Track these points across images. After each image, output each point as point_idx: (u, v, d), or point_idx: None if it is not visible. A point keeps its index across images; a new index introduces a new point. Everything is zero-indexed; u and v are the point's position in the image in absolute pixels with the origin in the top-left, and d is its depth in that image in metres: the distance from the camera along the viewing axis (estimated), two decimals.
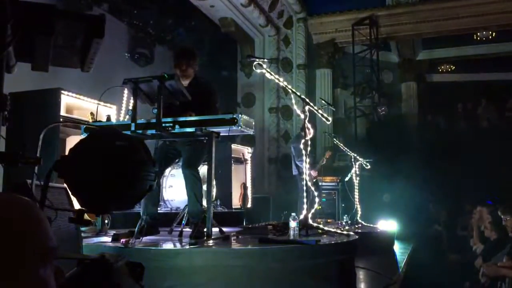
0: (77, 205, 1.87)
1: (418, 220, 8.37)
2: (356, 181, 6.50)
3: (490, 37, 11.03)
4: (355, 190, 6.47)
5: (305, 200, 3.97)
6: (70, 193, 1.53)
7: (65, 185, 1.88)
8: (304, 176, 4.10)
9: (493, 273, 4.42)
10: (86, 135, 3.56)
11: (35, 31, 1.41)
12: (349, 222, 6.11)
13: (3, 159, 1.24)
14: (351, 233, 4.17)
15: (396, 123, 11.40)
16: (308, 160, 4.06)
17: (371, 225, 6.20)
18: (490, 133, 11.85)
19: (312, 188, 4.04)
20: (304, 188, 4.02)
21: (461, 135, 11.99)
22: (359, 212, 6.41)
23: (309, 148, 4.09)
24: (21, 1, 1.35)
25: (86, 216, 3.46)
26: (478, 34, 10.97)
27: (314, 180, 6.99)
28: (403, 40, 11.20)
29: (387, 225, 6.16)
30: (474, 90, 12.92)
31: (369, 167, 6.75)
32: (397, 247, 6.19)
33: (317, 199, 3.98)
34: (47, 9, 1.38)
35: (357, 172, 6.54)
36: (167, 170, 5.16)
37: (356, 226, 5.93)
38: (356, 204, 6.44)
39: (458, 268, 6.61)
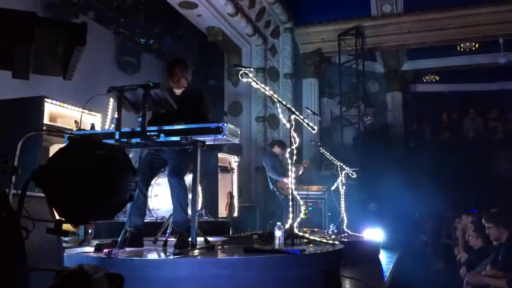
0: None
1: (404, 229, 8.42)
2: (342, 190, 6.51)
3: (473, 48, 11.24)
4: (341, 199, 6.48)
5: (290, 209, 3.96)
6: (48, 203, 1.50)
7: None
8: (290, 185, 4.10)
9: (477, 282, 4.46)
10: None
11: (15, 38, 1.39)
12: (335, 231, 6.11)
13: None
14: (337, 242, 4.17)
15: (382, 132, 11.50)
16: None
17: (357, 234, 6.20)
18: (474, 142, 12.02)
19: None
20: (290, 197, 4.02)
21: (446, 145, 12.14)
22: (345, 221, 6.42)
23: (294, 157, 4.09)
24: (0, 8, 1.34)
25: (69, 227, 3.40)
26: (462, 45, 11.17)
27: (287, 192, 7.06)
28: (388, 50, 11.35)
29: (373, 234, 6.17)
30: (458, 100, 13.12)
31: (355, 176, 6.78)
32: (383, 256, 6.20)
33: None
34: (27, 16, 1.36)
35: (343, 181, 6.56)
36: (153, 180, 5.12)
37: (342, 235, 5.94)
38: (342, 213, 6.45)
39: (443, 277, 6.65)
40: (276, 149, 7.66)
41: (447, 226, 8.67)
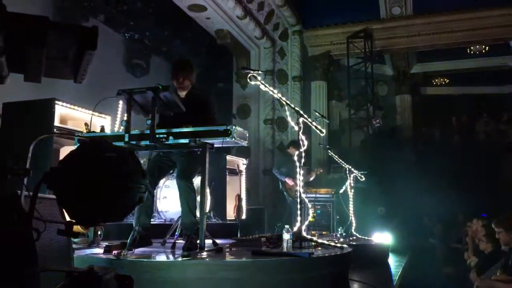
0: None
1: (413, 233, 8.37)
2: (350, 193, 6.49)
3: (484, 51, 11.16)
4: (350, 202, 6.46)
5: (298, 212, 3.96)
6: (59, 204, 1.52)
7: None
8: (298, 188, 4.10)
9: (487, 287, 4.41)
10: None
11: (27, 42, 1.41)
12: (344, 234, 6.10)
13: None
14: (345, 245, 4.16)
15: (391, 135, 11.45)
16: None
17: (366, 238, 6.18)
18: (484, 146, 11.92)
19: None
20: (298, 199, 4.02)
21: (455, 148, 12.06)
22: (354, 224, 6.40)
23: (303, 160, 4.09)
24: (13, 13, 1.36)
25: (78, 228, 3.43)
26: (472, 48, 11.10)
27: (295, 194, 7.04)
28: (397, 53, 11.30)
29: (382, 237, 6.15)
30: (468, 103, 13.03)
31: (363, 179, 6.76)
32: (392, 260, 6.17)
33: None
34: (39, 20, 1.38)
35: (352, 184, 6.54)
36: (161, 181, 5.14)
37: (351, 239, 5.92)
38: (351, 216, 6.43)
39: (453, 281, 6.59)
40: (292, 150, 7.65)
41: (457, 230, 8.60)
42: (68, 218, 1.69)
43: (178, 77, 3.98)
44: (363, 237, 6.20)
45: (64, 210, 2.29)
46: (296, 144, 7.61)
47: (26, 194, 1.54)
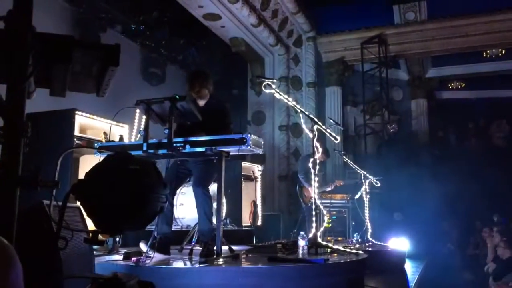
0: (90, 224, 1.94)
1: (430, 239, 8.30)
2: (366, 199, 6.49)
3: (500, 54, 11.05)
4: (365, 208, 6.46)
5: (314, 218, 3.99)
6: (85, 214, 1.59)
7: (78, 204, 1.96)
8: (313, 194, 4.14)
9: None
10: (99, 155, 3.66)
11: (54, 60, 1.50)
12: (360, 240, 6.09)
13: (22, 183, 1.31)
14: (361, 252, 4.17)
15: (407, 140, 11.38)
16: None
17: (382, 243, 6.16)
18: (502, 151, 11.77)
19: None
20: (313, 206, 4.05)
21: (472, 153, 11.92)
22: (370, 230, 6.39)
23: (317, 167, 4.12)
24: (41, 33, 1.44)
25: (104, 236, 3.53)
26: (488, 51, 11.00)
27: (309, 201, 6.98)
28: (412, 58, 11.25)
29: (398, 243, 6.11)
30: (485, 107, 12.90)
31: (379, 184, 6.74)
32: (409, 266, 6.13)
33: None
34: (65, 40, 1.47)
35: (367, 190, 6.53)
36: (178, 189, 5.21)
37: (367, 244, 5.91)
38: (367, 222, 6.42)
39: (470, 287, 6.53)
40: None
41: (475, 236, 8.52)
42: (90, 227, 1.76)
43: (194, 87, 4.06)
44: (379, 243, 6.18)
45: (86, 218, 2.37)
46: (325, 151, 7.46)
47: (47, 203, 1.61)
